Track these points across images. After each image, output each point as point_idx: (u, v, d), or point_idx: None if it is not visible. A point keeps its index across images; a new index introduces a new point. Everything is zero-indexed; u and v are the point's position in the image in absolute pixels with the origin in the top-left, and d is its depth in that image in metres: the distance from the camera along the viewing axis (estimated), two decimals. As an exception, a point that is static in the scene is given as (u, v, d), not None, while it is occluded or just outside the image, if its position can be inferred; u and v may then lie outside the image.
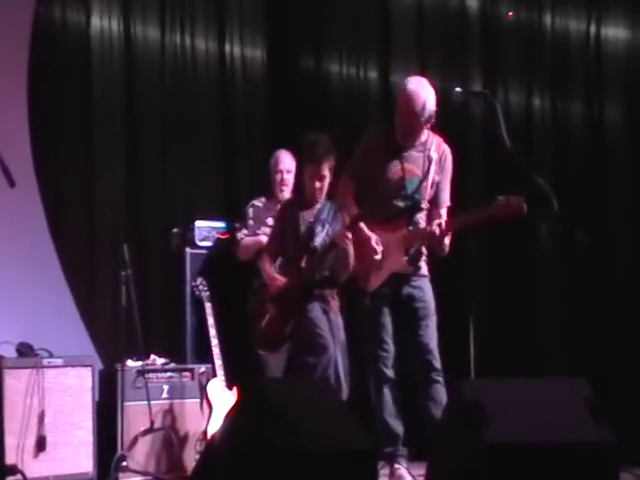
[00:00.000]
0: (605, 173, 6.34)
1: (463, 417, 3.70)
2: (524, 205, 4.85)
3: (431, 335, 5.09)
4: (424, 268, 5.18)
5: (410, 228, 5.08)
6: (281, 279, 5.47)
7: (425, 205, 5.13)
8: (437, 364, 5.07)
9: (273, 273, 5.51)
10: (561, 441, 3.64)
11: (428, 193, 5.12)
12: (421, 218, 5.14)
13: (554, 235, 5.95)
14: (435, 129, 5.20)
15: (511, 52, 6.69)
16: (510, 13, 6.68)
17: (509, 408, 3.70)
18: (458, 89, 5.15)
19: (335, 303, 5.47)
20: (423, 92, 5.01)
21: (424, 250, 5.16)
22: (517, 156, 4.88)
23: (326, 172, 5.46)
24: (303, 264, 5.41)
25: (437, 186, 5.15)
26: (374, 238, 5.04)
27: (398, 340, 5.11)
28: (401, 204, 5.10)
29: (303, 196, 5.62)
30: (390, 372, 5.08)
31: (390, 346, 5.07)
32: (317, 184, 5.48)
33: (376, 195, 5.12)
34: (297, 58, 7.59)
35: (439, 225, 4.98)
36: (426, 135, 5.14)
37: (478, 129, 6.42)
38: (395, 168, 5.10)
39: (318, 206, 5.55)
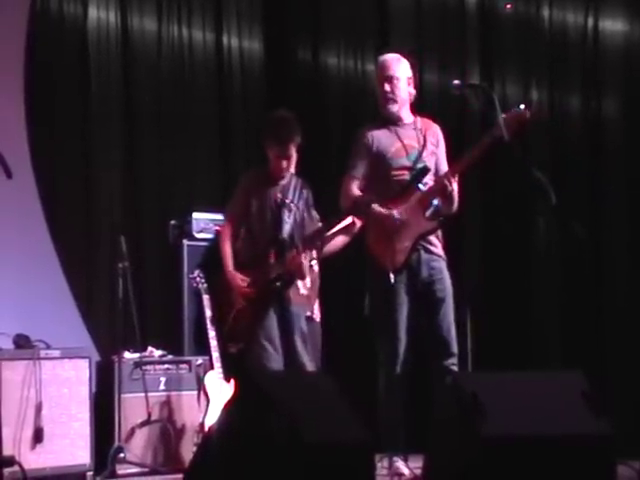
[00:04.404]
0: (603, 166, 6.34)
1: (460, 410, 3.71)
2: (524, 110, 4.90)
3: (449, 320, 5.11)
4: (440, 249, 5.20)
5: (422, 188, 5.11)
6: (242, 284, 5.44)
7: (431, 169, 5.20)
8: (453, 349, 5.09)
9: (236, 277, 5.46)
10: (558, 434, 3.65)
11: (430, 161, 5.20)
12: (430, 181, 5.18)
13: (551, 228, 5.96)
14: (425, 115, 5.34)
15: (509, 45, 6.68)
16: (508, 5, 6.68)
17: (506, 401, 3.70)
18: (456, 81, 5.15)
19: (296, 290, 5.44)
20: (397, 58, 5.29)
21: (439, 234, 5.19)
22: (515, 149, 4.88)
23: (292, 152, 5.47)
24: (271, 260, 5.40)
25: (436, 156, 5.25)
26: (390, 211, 5.08)
27: (414, 325, 5.11)
28: (408, 176, 5.17)
29: (269, 171, 5.56)
30: (400, 369, 5.06)
31: (402, 342, 5.06)
32: (284, 163, 5.48)
33: (385, 176, 5.18)
34: (295, 50, 7.58)
35: (445, 173, 5.08)
36: (412, 117, 5.27)
37: (476, 122, 6.41)
38: (396, 146, 5.20)
39: (284, 182, 5.54)
